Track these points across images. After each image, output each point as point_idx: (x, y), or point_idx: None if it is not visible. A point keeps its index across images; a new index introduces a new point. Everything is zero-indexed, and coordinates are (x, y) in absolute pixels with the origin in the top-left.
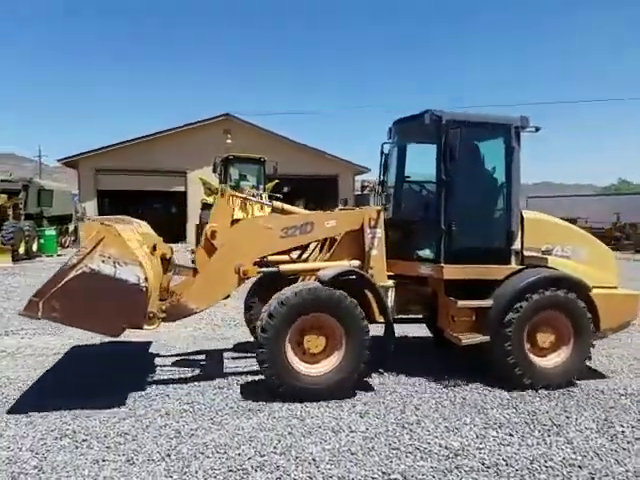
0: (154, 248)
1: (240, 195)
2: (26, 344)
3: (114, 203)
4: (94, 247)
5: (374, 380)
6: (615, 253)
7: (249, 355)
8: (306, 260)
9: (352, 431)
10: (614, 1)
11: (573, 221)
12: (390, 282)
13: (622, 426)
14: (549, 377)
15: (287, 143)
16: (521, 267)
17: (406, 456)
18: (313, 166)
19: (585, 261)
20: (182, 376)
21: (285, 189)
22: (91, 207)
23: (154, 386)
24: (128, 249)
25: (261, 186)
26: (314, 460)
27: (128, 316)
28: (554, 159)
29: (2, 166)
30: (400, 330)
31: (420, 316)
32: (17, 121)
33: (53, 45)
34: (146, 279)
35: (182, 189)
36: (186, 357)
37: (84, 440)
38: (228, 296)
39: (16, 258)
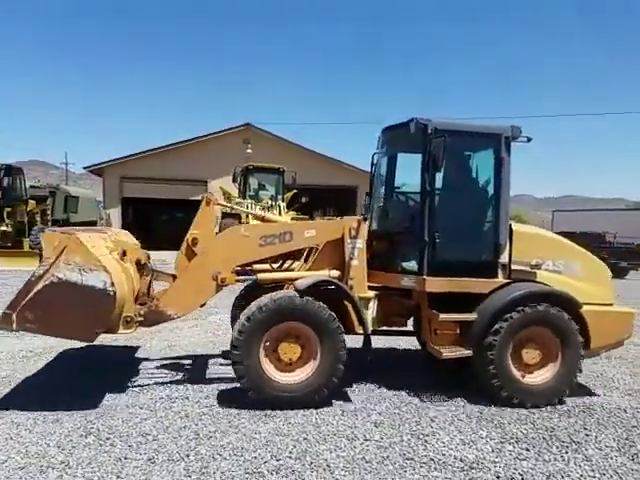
0: (124, 254)
1: (226, 204)
2: (53, 344)
3: (138, 211)
4: (58, 256)
5: (389, 391)
6: None
7: None
8: (292, 269)
9: (367, 440)
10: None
11: (599, 236)
12: (371, 293)
13: None
14: (535, 394)
15: (306, 153)
16: (508, 281)
17: (420, 466)
18: (332, 176)
19: (578, 277)
20: (202, 380)
21: (303, 199)
22: (115, 214)
23: (174, 389)
24: (92, 256)
25: (279, 196)
26: (329, 466)
27: (99, 321)
28: (579, 172)
29: (30, 173)
30: (413, 342)
31: (406, 329)
32: (44, 129)
33: (84, 55)
34: (113, 284)
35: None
36: (206, 362)
37: (107, 438)
38: (204, 304)
39: None
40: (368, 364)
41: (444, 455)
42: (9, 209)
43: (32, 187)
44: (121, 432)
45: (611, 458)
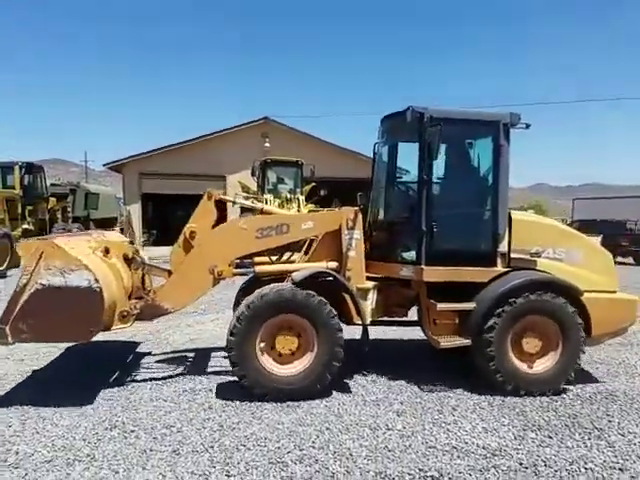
0: (107, 251)
1: (228, 199)
2: None
3: (157, 206)
4: (37, 263)
5: (410, 381)
6: None
7: None
8: (293, 262)
9: (389, 429)
10: None
11: (620, 223)
12: (369, 284)
13: None
14: (535, 383)
15: (325, 145)
16: (507, 270)
17: (443, 454)
18: (351, 169)
19: (580, 264)
20: (224, 372)
21: (322, 192)
22: (135, 210)
23: (197, 381)
24: (70, 257)
25: (298, 189)
26: (352, 455)
27: (91, 319)
28: (600, 159)
29: (50, 171)
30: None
31: (408, 319)
32: (64, 128)
33: (101, 57)
34: (97, 280)
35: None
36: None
37: (132, 431)
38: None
39: None
40: (365, 355)
41: (466, 443)
42: (30, 207)
43: (53, 185)
44: (145, 425)
45: (634, 444)
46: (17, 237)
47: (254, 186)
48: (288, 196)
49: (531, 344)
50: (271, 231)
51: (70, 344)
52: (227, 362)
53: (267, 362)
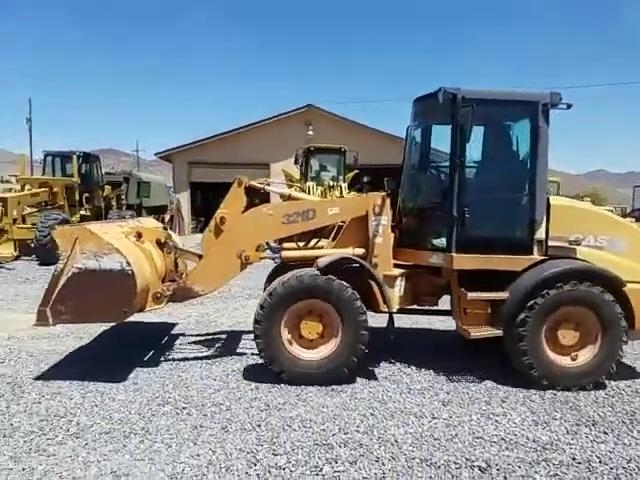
0: (139, 236)
1: (257, 185)
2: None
3: (205, 194)
4: (72, 248)
5: (457, 371)
6: None
7: None
8: (319, 247)
9: (434, 418)
10: None
11: None
12: (397, 271)
13: None
14: (572, 377)
15: (368, 131)
16: (543, 258)
17: (491, 445)
18: (396, 155)
19: (624, 253)
20: None
21: (365, 179)
22: (184, 198)
23: (244, 362)
24: (103, 241)
25: (341, 176)
26: (396, 442)
27: (124, 299)
28: None
29: (104, 161)
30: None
31: (440, 308)
32: (116, 118)
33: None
34: (129, 263)
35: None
36: None
37: (184, 408)
38: None
39: None
40: (391, 343)
41: (516, 435)
42: (87, 194)
43: (107, 174)
44: (196, 402)
45: None
46: (75, 222)
47: (297, 174)
48: (331, 183)
49: (568, 336)
50: (297, 217)
51: (128, 324)
52: None
53: (293, 347)
